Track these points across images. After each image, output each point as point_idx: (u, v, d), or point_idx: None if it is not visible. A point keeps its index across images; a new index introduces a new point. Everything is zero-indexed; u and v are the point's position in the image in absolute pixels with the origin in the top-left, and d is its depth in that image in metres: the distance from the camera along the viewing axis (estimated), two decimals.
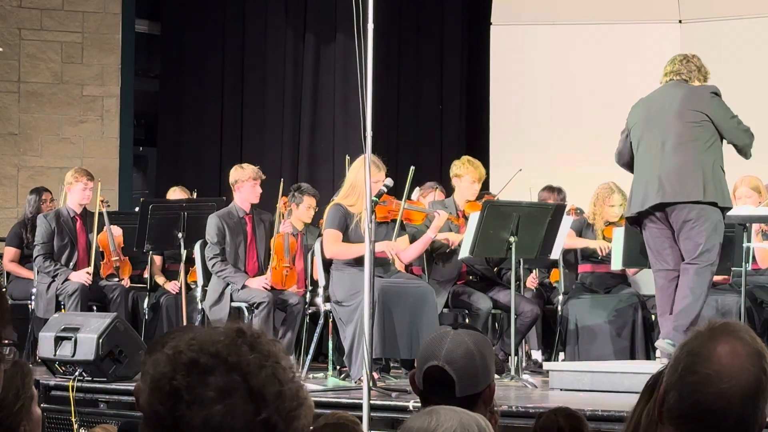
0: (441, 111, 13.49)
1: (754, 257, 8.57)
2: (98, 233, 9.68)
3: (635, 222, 7.56)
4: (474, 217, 8.23)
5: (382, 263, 8.14)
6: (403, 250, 8.40)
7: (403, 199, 8.36)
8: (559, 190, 10.07)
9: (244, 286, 8.79)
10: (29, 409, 2.45)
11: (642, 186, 7.41)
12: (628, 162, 7.59)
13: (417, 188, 9.90)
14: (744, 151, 7.46)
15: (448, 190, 9.61)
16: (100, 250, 9.71)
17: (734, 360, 2.09)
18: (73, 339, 8.01)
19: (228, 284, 8.83)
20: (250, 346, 1.78)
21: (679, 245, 7.33)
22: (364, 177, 7.70)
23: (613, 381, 7.30)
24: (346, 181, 8.21)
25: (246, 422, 1.74)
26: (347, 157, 8.81)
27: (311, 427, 4.32)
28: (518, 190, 9.91)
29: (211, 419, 1.73)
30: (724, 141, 7.39)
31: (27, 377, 2.49)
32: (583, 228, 9.27)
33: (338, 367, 8.61)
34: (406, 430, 2.45)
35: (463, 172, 8.82)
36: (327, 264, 8.38)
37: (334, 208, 8.17)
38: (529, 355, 9.48)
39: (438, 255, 8.83)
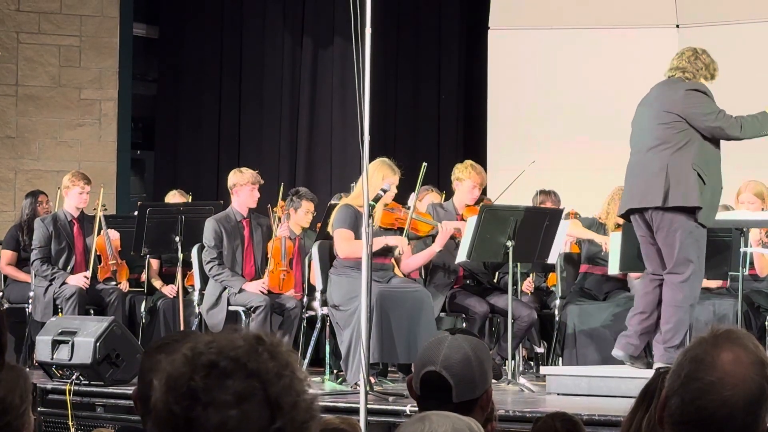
0: (439, 111, 13.48)
1: (751, 262, 8.57)
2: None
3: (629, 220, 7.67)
4: (471, 221, 8.23)
5: (380, 268, 8.15)
6: (403, 260, 8.41)
7: (411, 209, 8.37)
8: (555, 193, 10.09)
9: (241, 290, 8.80)
10: (29, 414, 2.47)
11: (625, 189, 7.51)
12: None
13: (413, 194, 9.89)
14: (740, 140, 7.29)
15: (447, 193, 9.61)
16: (97, 253, 9.71)
17: (737, 368, 2.10)
18: (70, 343, 8.01)
19: (225, 288, 8.84)
20: (270, 353, 1.78)
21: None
22: (377, 179, 7.76)
23: (610, 386, 7.30)
24: (358, 184, 8.21)
25: (259, 430, 1.74)
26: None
27: None
28: (516, 194, 9.91)
29: (225, 423, 1.73)
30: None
31: (27, 381, 2.50)
32: (594, 228, 9.29)
33: (335, 371, 8.60)
34: None
35: (465, 176, 8.82)
36: (325, 268, 8.39)
37: (344, 208, 8.17)
38: (531, 349, 9.54)
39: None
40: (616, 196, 9.19)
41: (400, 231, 8.28)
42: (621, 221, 9.07)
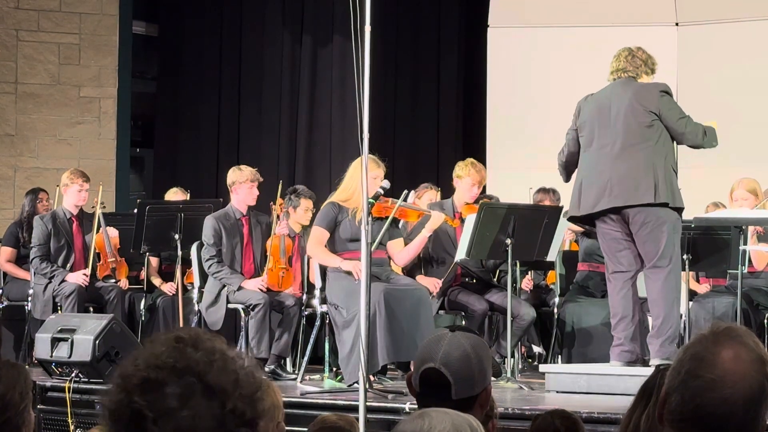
0: (439, 109, 13.47)
1: (750, 260, 8.58)
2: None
3: (584, 221, 7.63)
4: (470, 219, 8.23)
5: (378, 264, 8.14)
6: (397, 253, 8.39)
7: (401, 198, 8.36)
8: (554, 191, 10.09)
9: (240, 288, 8.80)
10: (29, 411, 2.48)
11: (594, 187, 7.44)
12: (573, 162, 7.65)
13: (412, 191, 9.89)
14: (698, 148, 7.48)
15: (445, 191, 9.60)
16: (96, 251, 9.71)
17: (738, 365, 2.10)
18: (69, 340, 8.01)
19: (224, 285, 8.84)
20: (193, 346, 1.80)
21: (638, 248, 7.36)
22: (361, 175, 7.72)
23: (609, 383, 7.30)
24: (344, 179, 8.22)
25: (215, 418, 1.75)
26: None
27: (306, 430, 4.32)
28: (516, 193, 9.91)
29: (180, 427, 1.74)
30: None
31: (27, 379, 2.52)
32: None
33: (334, 369, 8.61)
34: None
35: (464, 173, 8.82)
36: (324, 266, 8.39)
37: (327, 206, 8.20)
38: (530, 347, 9.53)
39: (435, 259, 8.82)
40: None
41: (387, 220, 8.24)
42: None
